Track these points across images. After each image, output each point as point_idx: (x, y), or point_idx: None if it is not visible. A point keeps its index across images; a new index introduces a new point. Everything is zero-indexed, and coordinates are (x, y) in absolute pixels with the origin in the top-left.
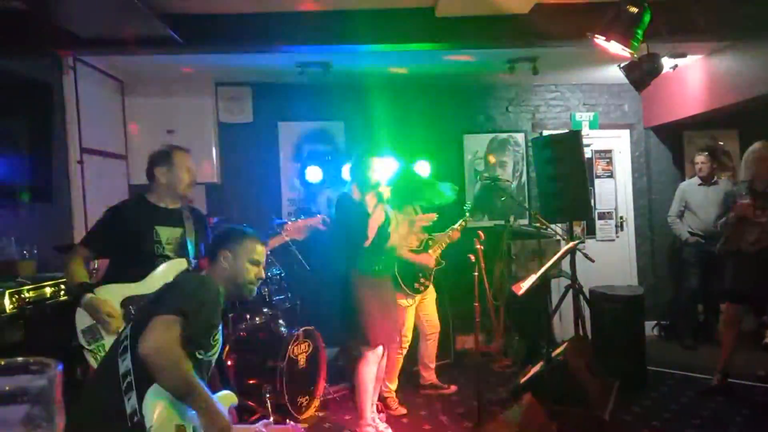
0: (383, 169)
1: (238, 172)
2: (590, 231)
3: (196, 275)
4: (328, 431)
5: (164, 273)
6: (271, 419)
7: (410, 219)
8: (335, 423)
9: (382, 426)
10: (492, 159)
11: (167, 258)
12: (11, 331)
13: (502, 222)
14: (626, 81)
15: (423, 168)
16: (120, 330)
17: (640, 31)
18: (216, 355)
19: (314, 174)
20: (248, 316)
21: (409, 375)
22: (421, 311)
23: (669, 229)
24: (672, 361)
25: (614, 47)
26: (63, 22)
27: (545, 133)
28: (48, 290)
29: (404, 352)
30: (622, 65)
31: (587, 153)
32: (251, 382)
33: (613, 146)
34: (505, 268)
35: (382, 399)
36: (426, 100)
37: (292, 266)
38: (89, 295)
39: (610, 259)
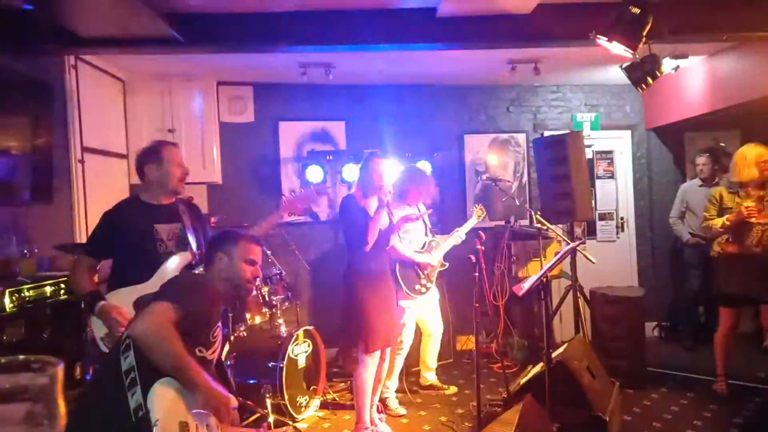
0: (387, 171)
1: (239, 171)
2: (591, 232)
3: (194, 274)
4: (328, 431)
5: (175, 268)
6: (271, 419)
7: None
8: (334, 423)
9: (382, 427)
10: (493, 159)
11: (171, 254)
12: (11, 329)
13: (503, 222)
14: (628, 82)
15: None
16: None
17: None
18: (216, 354)
19: (315, 174)
20: (248, 316)
21: (408, 375)
22: (424, 311)
23: (670, 230)
24: (672, 363)
25: (616, 48)
26: (65, 22)
27: (546, 133)
28: (48, 289)
29: (404, 353)
30: (623, 66)
31: (588, 154)
32: (251, 382)
33: (614, 147)
34: (505, 269)
35: (381, 399)
36: (427, 100)
37: (292, 266)
38: (101, 303)
39: (611, 260)
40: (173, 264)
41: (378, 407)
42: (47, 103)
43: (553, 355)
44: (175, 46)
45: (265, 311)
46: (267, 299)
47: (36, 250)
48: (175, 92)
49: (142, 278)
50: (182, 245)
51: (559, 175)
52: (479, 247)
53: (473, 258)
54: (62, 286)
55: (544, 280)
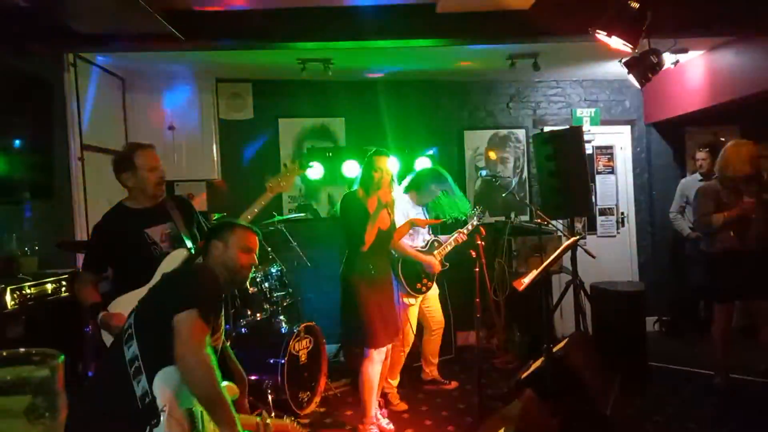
0: (389, 168)
1: (238, 168)
2: (591, 227)
3: (193, 266)
4: (330, 427)
5: (167, 266)
6: (272, 415)
7: (412, 221)
8: (336, 419)
9: (385, 422)
10: (493, 155)
11: (167, 254)
12: (13, 327)
13: (503, 218)
14: (627, 77)
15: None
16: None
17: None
18: (220, 340)
19: (315, 171)
20: (249, 313)
21: (410, 370)
22: (424, 307)
23: (670, 225)
24: (673, 357)
25: (616, 42)
26: (64, 20)
27: (546, 129)
28: (49, 287)
29: (407, 350)
30: (623, 61)
31: (588, 149)
32: (252, 378)
33: (614, 142)
34: (506, 264)
35: (383, 395)
36: (427, 96)
37: (293, 262)
38: (102, 313)
39: (611, 255)
40: (169, 263)
41: (380, 402)
42: (47, 101)
43: (554, 350)
44: (174, 43)
45: (266, 307)
46: (268, 295)
47: (37, 248)
48: (174, 89)
49: (142, 282)
50: (177, 244)
51: (559, 170)
52: (480, 242)
53: (474, 253)
54: (63, 283)
55: (545, 275)
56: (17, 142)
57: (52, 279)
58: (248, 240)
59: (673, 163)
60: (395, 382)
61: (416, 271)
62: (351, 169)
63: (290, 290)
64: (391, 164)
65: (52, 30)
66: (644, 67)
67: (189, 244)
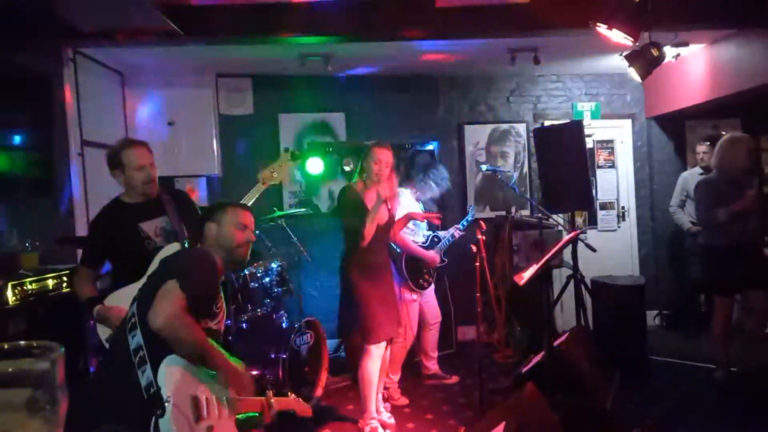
0: (388, 161)
1: (238, 164)
2: (592, 221)
3: (188, 249)
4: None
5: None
6: (275, 400)
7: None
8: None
9: (387, 416)
10: (493, 149)
11: (160, 249)
12: (14, 322)
13: (504, 213)
14: (628, 70)
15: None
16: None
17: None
18: (221, 324)
19: (315, 166)
20: (250, 307)
21: (411, 365)
22: (422, 301)
23: (671, 218)
24: (673, 351)
25: (616, 36)
26: (63, 14)
27: (547, 123)
28: (50, 282)
29: (409, 345)
30: (624, 54)
31: (589, 143)
32: (253, 373)
33: (614, 136)
34: (506, 259)
35: (384, 388)
36: (427, 91)
37: (293, 258)
38: (97, 307)
39: (612, 249)
40: (157, 257)
41: (383, 395)
42: (46, 97)
43: (555, 344)
44: (174, 38)
45: (267, 302)
46: (269, 291)
47: (37, 244)
48: (174, 85)
49: (138, 276)
50: (171, 238)
51: (560, 164)
52: (480, 237)
53: (474, 248)
54: (64, 279)
55: (546, 269)
56: (17, 137)
57: (53, 275)
58: (241, 217)
59: (674, 156)
60: (396, 377)
61: (418, 267)
62: (351, 163)
63: (291, 285)
64: (390, 156)
65: (52, 25)
66: (645, 60)
67: (185, 235)
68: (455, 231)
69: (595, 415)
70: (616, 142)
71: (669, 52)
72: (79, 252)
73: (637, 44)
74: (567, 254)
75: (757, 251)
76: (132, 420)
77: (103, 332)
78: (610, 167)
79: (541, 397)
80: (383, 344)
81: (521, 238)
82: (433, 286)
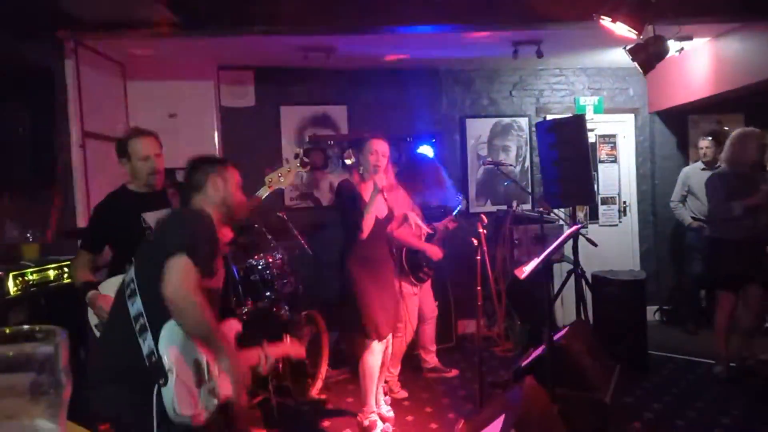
0: (385, 152)
1: (239, 156)
2: (593, 216)
3: (187, 210)
4: (330, 414)
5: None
6: (270, 348)
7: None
8: (337, 406)
9: (386, 409)
10: (495, 143)
11: None
12: (16, 312)
13: (505, 207)
14: (631, 65)
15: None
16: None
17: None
18: (220, 282)
19: (316, 159)
20: (250, 300)
21: (411, 358)
22: (418, 295)
23: (672, 214)
24: (673, 346)
25: (620, 29)
26: (65, 5)
27: (549, 117)
28: (51, 273)
29: (409, 339)
30: (627, 48)
31: (591, 138)
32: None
33: (617, 131)
34: (507, 253)
35: (384, 382)
36: (429, 84)
37: (294, 251)
38: (90, 293)
39: (613, 244)
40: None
41: (384, 388)
42: (47, 88)
43: (555, 338)
44: (175, 29)
45: (268, 295)
46: (269, 284)
47: (39, 234)
48: (175, 76)
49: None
50: None
51: (562, 159)
52: (481, 230)
53: (475, 242)
54: (65, 270)
55: (546, 264)
56: (18, 128)
57: (54, 265)
58: (237, 177)
59: (677, 152)
60: (396, 371)
61: (418, 260)
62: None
63: (291, 278)
64: (387, 148)
65: (53, 16)
66: (648, 54)
67: None
68: (448, 222)
69: (594, 409)
70: (618, 136)
71: (673, 46)
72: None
73: (641, 37)
74: (568, 249)
75: (762, 247)
76: (134, 384)
77: (92, 318)
78: (612, 162)
79: (541, 390)
80: (384, 338)
81: (522, 232)
82: (429, 280)
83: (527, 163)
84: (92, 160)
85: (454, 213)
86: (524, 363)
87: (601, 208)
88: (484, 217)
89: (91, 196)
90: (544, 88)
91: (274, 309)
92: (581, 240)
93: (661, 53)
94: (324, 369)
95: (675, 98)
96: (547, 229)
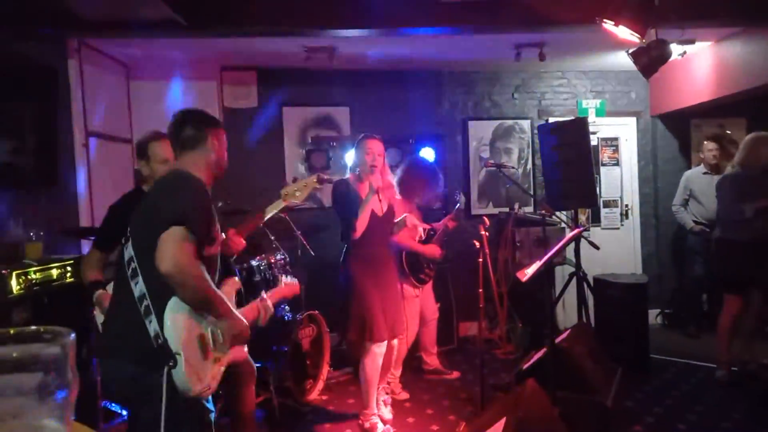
0: (380, 151)
1: (242, 157)
2: (595, 219)
3: (177, 176)
4: (332, 414)
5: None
6: (268, 296)
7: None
8: (338, 407)
9: (386, 410)
10: (497, 146)
11: None
12: (19, 311)
13: (507, 209)
14: (634, 68)
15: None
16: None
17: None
18: (218, 249)
19: (319, 160)
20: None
21: (412, 360)
22: (420, 297)
23: (674, 217)
24: (675, 350)
25: (623, 32)
26: (68, 5)
27: (551, 120)
28: (54, 272)
29: (411, 341)
30: (630, 51)
31: (593, 140)
32: (256, 365)
33: (619, 134)
34: (509, 256)
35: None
36: (431, 86)
37: (296, 251)
38: (97, 292)
39: (615, 247)
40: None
41: (386, 390)
42: (51, 87)
43: (556, 340)
44: (178, 30)
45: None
46: (272, 284)
47: (42, 233)
48: (178, 77)
49: None
50: None
51: (564, 161)
52: (483, 233)
53: (477, 244)
54: (68, 269)
55: (548, 266)
56: (22, 128)
57: (57, 264)
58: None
59: (679, 155)
60: (398, 372)
61: (418, 262)
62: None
63: (293, 279)
64: (381, 147)
65: (57, 16)
66: (651, 57)
67: None
68: (448, 221)
69: (595, 413)
70: (620, 139)
71: (675, 49)
72: (83, 242)
73: (644, 41)
74: (570, 251)
75: None
76: (142, 362)
77: (99, 317)
78: (614, 165)
79: (542, 392)
80: (384, 342)
81: (524, 234)
82: (431, 282)
83: (529, 166)
84: (95, 160)
85: (454, 210)
86: (526, 366)
87: (603, 211)
88: (486, 219)
89: (93, 195)
90: (546, 91)
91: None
92: (583, 243)
93: (663, 57)
94: (325, 370)
95: (677, 102)
96: (548, 231)
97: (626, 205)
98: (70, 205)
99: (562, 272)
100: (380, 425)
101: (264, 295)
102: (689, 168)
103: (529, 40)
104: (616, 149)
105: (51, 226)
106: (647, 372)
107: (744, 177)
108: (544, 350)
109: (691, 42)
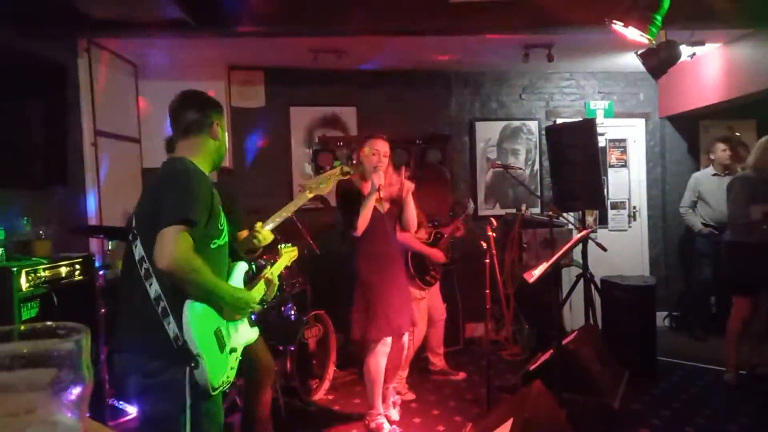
0: (385, 151)
1: (249, 156)
2: (602, 221)
3: (178, 171)
4: (338, 414)
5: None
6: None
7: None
8: (344, 407)
9: (394, 411)
10: (505, 147)
11: None
12: (27, 309)
13: (514, 210)
14: (642, 69)
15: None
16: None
17: (659, 17)
18: (228, 237)
19: (326, 159)
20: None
21: (419, 360)
22: (427, 298)
23: (682, 219)
24: (682, 352)
25: (632, 33)
26: (78, 4)
27: (559, 121)
28: (63, 270)
29: (418, 342)
30: (639, 52)
31: (601, 142)
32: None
33: (627, 135)
34: (516, 257)
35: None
36: (439, 87)
37: (303, 251)
38: None
39: (622, 249)
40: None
41: (395, 389)
42: (61, 86)
43: (563, 342)
44: (187, 30)
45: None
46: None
47: (51, 232)
48: (187, 76)
49: None
50: None
51: (572, 163)
52: (490, 234)
53: (484, 245)
54: (77, 267)
55: (555, 268)
56: (31, 126)
57: (66, 262)
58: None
59: (688, 157)
60: (404, 373)
61: (424, 264)
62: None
63: (300, 279)
64: (386, 147)
65: (66, 15)
66: (660, 59)
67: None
68: (455, 227)
69: (602, 415)
70: (628, 141)
71: (684, 51)
72: (92, 241)
73: (653, 42)
74: (577, 253)
75: None
76: (161, 357)
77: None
78: (622, 167)
79: (549, 395)
80: (388, 341)
81: (531, 235)
82: (438, 283)
83: (536, 167)
84: (104, 159)
85: (463, 216)
86: (532, 367)
87: (611, 213)
88: (493, 220)
89: (102, 194)
90: (554, 92)
91: (282, 309)
92: (590, 244)
93: (672, 58)
94: (331, 370)
95: (686, 103)
96: (556, 233)
97: (634, 207)
98: (78, 203)
99: (569, 274)
100: (386, 425)
101: (265, 271)
102: (698, 170)
103: (538, 41)
104: (624, 151)
105: (60, 224)
106: (654, 375)
107: (756, 180)
108: (550, 352)
109: (701, 43)
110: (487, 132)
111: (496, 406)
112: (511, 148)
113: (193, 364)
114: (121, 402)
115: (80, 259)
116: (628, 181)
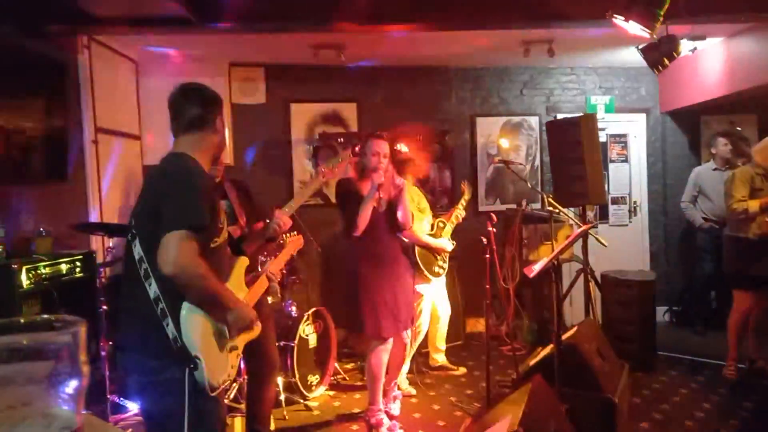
0: (386, 151)
1: (250, 153)
2: (603, 216)
3: (179, 169)
4: (338, 410)
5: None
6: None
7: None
8: (345, 403)
9: (395, 405)
10: (505, 142)
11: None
12: (28, 305)
13: (515, 206)
14: (643, 64)
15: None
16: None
17: (660, 11)
18: (226, 235)
19: (326, 156)
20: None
21: (419, 355)
22: (433, 294)
23: (682, 214)
24: (682, 347)
25: (633, 27)
26: (78, 1)
27: (560, 116)
28: (64, 267)
29: (420, 337)
30: (640, 47)
31: (602, 137)
32: None
33: (628, 130)
34: (516, 252)
35: None
36: (439, 82)
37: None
38: None
39: (623, 244)
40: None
41: (397, 385)
42: (61, 83)
43: (564, 337)
44: (187, 26)
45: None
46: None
47: (51, 229)
48: (187, 73)
49: None
50: (231, 220)
51: (572, 158)
52: (491, 229)
53: (485, 240)
54: (78, 263)
55: (555, 262)
56: (32, 123)
57: (66, 259)
58: None
59: (688, 152)
60: (405, 368)
61: (431, 255)
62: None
63: (300, 275)
64: (387, 147)
65: (67, 12)
66: (661, 53)
67: (243, 221)
68: (454, 211)
69: (602, 409)
70: (629, 136)
71: (685, 45)
72: (93, 238)
73: (654, 36)
74: (577, 248)
75: None
76: (162, 356)
77: None
78: (622, 161)
79: (549, 389)
80: (391, 339)
81: (531, 231)
82: (444, 279)
83: (537, 162)
84: (105, 156)
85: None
86: (532, 362)
87: (612, 208)
88: (493, 215)
89: (103, 191)
90: (554, 87)
91: (282, 305)
92: (591, 239)
93: (673, 53)
94: (332, 366)
95: (687, 98)
96: (556, 228)
97: (635, 202)
98: (79, 200)
99: (569, 269)
100: (386, 421)
101: (267, 265)
102: (699, 165)
103: (538, 36)
104: (625, 146)
105: (61, 221)
106: (655, 369)
107: (751, 174)
108: (551, 347)
109: (702, 38)
110: (488, 127)
111: (497, 401)
112: (511, 143)
113: (191, 366)
114: (122, 398)
115: (81, 256)
116: (629, 176)
